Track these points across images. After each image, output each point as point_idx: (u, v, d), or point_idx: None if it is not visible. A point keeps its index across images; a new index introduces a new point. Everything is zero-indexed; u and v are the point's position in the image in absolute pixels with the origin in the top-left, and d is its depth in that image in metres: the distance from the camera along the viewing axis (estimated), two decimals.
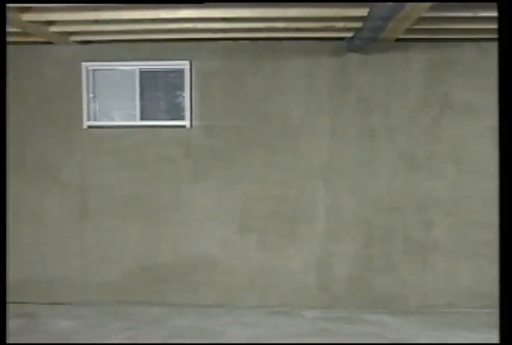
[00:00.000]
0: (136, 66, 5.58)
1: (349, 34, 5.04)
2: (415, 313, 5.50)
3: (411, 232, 5.56)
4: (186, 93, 5.53)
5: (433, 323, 5.16)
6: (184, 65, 5.52)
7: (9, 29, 4.65)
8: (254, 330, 4.99)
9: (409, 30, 4.82)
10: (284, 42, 5.44)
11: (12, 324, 5.21)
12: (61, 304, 5.79)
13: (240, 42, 5.49)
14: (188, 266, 5.71)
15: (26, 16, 4.29)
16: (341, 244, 5.58)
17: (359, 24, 4.61)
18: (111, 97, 5.70)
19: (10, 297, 5.86)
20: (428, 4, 3.86)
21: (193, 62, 5.53)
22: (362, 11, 4.23)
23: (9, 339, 4.83)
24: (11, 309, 5.64)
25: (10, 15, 4.15)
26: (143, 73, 5.59)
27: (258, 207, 5.61)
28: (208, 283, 5.71)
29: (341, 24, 4.64)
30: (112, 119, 5.73)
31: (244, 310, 5.56)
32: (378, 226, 5.56)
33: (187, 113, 5.55)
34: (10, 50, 5.68)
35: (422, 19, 4.45)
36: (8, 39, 5.30)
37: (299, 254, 5.62)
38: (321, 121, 5.51)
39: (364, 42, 4.93)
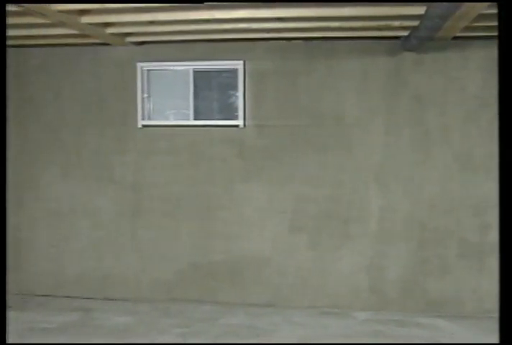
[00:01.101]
0: (190, 66, 5.63)
1: (405, 33, 4.97)
2: (470, 317, 5.38)
3: (467, 235, 5.43)
4: (239, 93, 5.56)
5: (489, 328, 5.03)
6: (238, 64, 5.54)
7: (69, 31, 4.76)
8: (304, 331, 4.98)
9: (467, 28, 4.71)
10: (338, 41, 5.40)
11: (68, 318, 5.35)
12: (115, 300, 5.91)
13: (294, 41, 5.48)
14: (239, 265, 5.74)
15: (85, 19, 4.39)
16: (394, 245, 5.51)
17: (415, 23, 4.53)
18: (165, 97, 5.78)
19: (66, 291, 6.03)
20: (487, 3, 3.77)
21: (246, 62, 5.55)
22: (419, 10, 4.15)
23: (67, 331, 4.97)
24: (67, 303, 5.81)
25: (70, 18, 4.26)
26: (197, 73, 5.64)
27: (310, 207, 5.59)
28: (259, 282, 5.72)
29: (397, 23, 4.58)
30: (166, 119, 5.80)
31: (294, 310, 5.55)
32: (432, 227, 5.46)
33: (240, 113, 5.57)
34: (69, 52, 5.84)
35: (480, 17, 4.34)
36: (68, 41, 5.44)
37: (351, 254, 5.57)
38: (375, 121, 5.44)
39: (420, 40, 4.84)
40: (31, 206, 6.07)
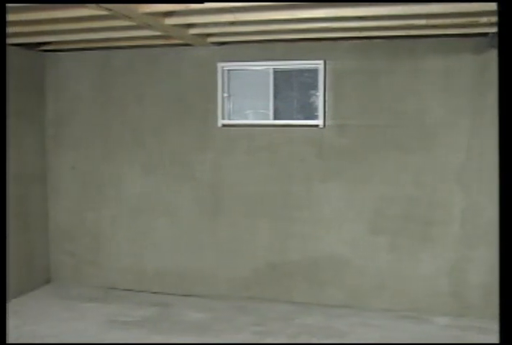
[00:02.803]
0: (270, 66, 5.65)
1: (493, 30, 4.79)
2: None
3: None
4: (320, 93, 5.52)
5: None
6: (318, 64, 5.51)
7: (152, 33, 4.87)
8: (381, 334, 4.90)
9: None
10: (421, 39, 5.27)
11: (147, 312, 5.48)
12: (192, 296, 6.01)
13: (375, 40, 5.39)
14: (317, 265, 5.72)
15: (169, 21, 4.47)
16: (477, 249, 5.33)
17: None
18: (245, 96, 5.82)
19: (146, 286, 6.18)
20: None
21: (327, 62, 5.51)
22: None
23: (146, 325, 5.09)
24: (146, 298, 5.95)
25: (155, 20, 4.35)
26: (277, 73, 5.65)
27: (390, 208, 5.49)
28: (336, 283, 5.68)
29: (484, 19, 4.42)
30: (246, 118, 5.85)
31: (371, 312, 5.47)
32: None
33: (320, 113, 5.54)
34: (152, 53, 5.97)
35: None
36: (151, 42, 5.57)
37: (431, 257, 5.44)
38: (460, 121, 5.28)
39: None
40: (113, 203, 6.25)
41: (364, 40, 5.41)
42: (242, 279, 5.93)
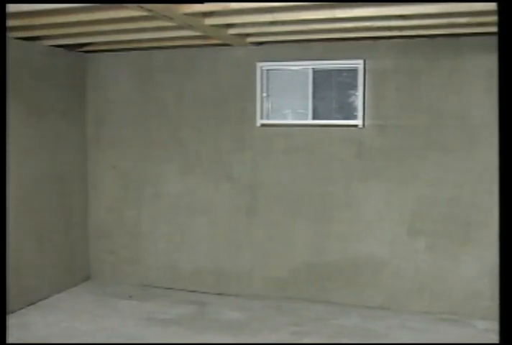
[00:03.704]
0: (309, 65, 5.62)
1: None
2: None
3: None
4: (359, 92, 5.48)
5: None
6: (358, 63, 5.47)
7: (192, 33, 4.90)
8: (420, 336, 4.84)
9: None
10: (463, 38, 5.18)
11: (184, 310, 5.52)
12: (229, 295, 6.03)
13: (417, 39, 5.32)
14: (355, 266, 5.67)
15: (208, 21, 4.49)
16: None
17: None
18: (283, 96, 5.81)
19: (183, 285, 6.22)
20: None
21: (366, 61, 5.46)
22: None
23: (183, 323, 5.13)
24: (183, 296, 5.99)
25: (195, 20, 4.37)
26: (316, 72, 5.63)
27: (429, 209, 5.42)
28: (375, 284, 5.63)
29: None
30: (284, 118, 5.84)
31: (410, 314, 5.41)
32: None
33: (359, 113, 5.49)
34: (190, 53, 6.01)
35: None
36: (189, 42, 5.60)
37: (472, 260, 5.35)
38: None
39: None
40: (151, 201, 6.31)
41: (405, 39, 5.35)
42: (279, 279, 5.92)
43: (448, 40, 5.24)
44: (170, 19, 4.23)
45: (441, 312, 5.42)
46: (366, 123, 5.50)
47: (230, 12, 4.36)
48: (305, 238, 5.80)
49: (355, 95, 5.52)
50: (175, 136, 6.15)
